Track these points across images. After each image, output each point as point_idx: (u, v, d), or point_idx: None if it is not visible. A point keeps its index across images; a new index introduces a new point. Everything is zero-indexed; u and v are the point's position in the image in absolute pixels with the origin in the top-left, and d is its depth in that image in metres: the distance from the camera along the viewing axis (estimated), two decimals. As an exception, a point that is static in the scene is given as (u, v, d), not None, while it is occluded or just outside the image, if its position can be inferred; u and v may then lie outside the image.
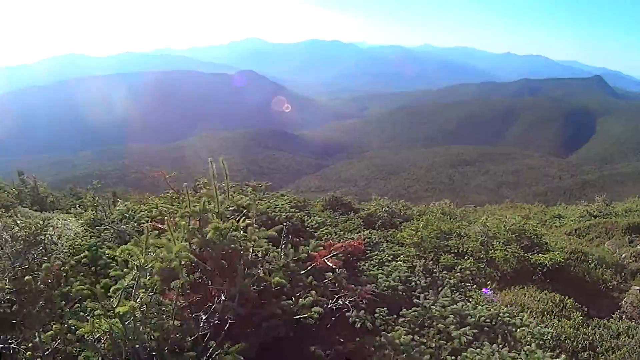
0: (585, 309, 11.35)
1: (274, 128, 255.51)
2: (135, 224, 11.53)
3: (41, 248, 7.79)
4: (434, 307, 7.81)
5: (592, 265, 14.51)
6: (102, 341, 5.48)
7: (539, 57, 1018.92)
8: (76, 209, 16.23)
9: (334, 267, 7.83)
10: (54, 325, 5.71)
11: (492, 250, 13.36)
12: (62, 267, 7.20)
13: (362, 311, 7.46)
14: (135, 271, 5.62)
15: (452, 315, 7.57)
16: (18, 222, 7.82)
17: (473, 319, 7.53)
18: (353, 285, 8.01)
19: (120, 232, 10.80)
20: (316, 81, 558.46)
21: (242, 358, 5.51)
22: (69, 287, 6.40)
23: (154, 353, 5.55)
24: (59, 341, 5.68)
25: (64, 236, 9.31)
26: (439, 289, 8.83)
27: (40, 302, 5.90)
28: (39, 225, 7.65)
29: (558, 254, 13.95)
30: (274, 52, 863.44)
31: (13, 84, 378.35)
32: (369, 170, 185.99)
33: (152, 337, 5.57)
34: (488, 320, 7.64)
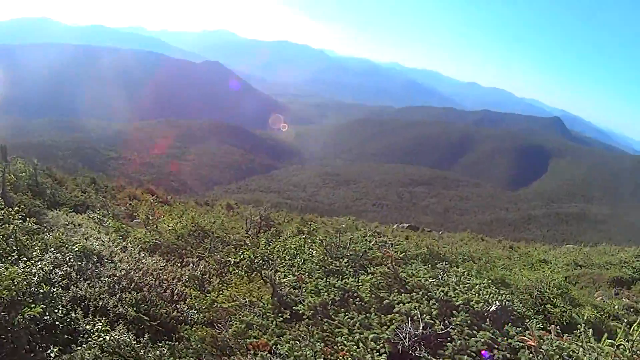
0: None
1: (232, 123, 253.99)
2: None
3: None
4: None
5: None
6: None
7: (503, 91, 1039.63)
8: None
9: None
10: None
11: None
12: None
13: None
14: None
15: None
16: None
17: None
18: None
19: None
20: (281, 82, 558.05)
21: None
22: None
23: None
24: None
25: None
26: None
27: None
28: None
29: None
30: (244, 46, 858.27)
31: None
32: (320, 178, 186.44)
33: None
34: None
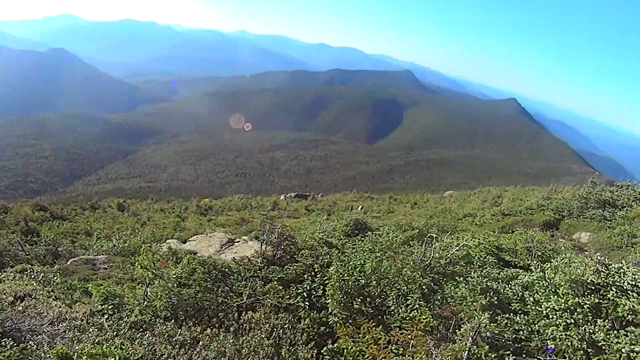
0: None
1: (85, 111, 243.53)
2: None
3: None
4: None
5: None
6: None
7: (353, 49, 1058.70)
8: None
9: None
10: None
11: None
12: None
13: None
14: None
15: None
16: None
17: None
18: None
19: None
20: (129, 62, 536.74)
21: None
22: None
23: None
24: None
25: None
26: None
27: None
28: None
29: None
30: (89, 30, 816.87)
31: None
32: (179, 155, 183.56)
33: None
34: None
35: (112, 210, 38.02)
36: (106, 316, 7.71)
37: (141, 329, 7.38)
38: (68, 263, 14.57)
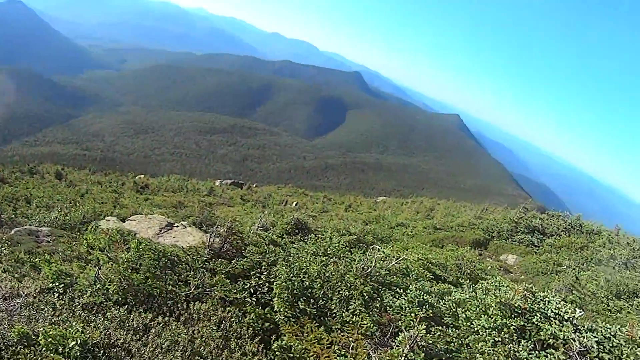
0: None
1: (31, 69, 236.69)
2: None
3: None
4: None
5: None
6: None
7: (306, 42, 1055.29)
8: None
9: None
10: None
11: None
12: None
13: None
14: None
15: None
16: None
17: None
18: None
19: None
20: (84, 24, 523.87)
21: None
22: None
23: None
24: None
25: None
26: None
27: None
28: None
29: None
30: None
31: None
32: (119, 126, 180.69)
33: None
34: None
35: (50, 177, 37.65)
36: (56, 295, 7.70)
37: (94, 312, 7.44)
38: (12, 232, 14.10)
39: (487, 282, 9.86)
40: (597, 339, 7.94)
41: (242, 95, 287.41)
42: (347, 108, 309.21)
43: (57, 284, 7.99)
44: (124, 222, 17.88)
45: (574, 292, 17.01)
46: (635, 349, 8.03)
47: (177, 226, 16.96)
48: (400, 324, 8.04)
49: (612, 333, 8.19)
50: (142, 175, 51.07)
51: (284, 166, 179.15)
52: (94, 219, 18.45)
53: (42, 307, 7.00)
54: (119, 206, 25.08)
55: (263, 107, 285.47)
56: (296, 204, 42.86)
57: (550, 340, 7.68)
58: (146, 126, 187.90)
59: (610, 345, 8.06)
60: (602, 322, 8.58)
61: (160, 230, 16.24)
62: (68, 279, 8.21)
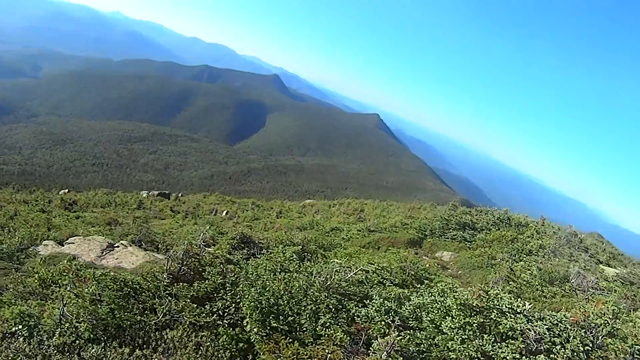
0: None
1: None
2: None
3: None
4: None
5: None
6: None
7: (225, 47, 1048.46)
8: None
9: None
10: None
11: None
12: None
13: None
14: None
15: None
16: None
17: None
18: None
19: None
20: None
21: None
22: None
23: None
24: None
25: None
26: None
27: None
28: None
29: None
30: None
31: None
32: (36, 138, 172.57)
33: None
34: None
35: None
36: (22, 339, 7.30)
37: (67, 353, 7.14)
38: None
39: (441, 285, 10.80)
40: (547, 326, 9.42)
41: (161, 101, 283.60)
42: (267, 111, 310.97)
43: (19, 327, 7.57)
44: (63, 245, 17.47)
45: (510, 282, 17.96)
46: (580, 330, 9.51)
47: (117, 246, 16.81)
48: (371, 332, 8.58)
49: (559, 319, 9.69)
50: (67, 191, 49.82)
51: (207, 172, 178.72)
52: (30, 244, 17.44)
53: (12, 356, 6.67)
54: (53, 228, 24.17)
55: (183, 113, 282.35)
56: (227, 213, 43.01)
57: (509, 332, 8.90)
58: (65, 136, 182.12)
59: (559, 329, 9.52)
60: (538, 308, 9.85)
61: (102, 252, 16.05)
62: (32, 320, 7.80)
